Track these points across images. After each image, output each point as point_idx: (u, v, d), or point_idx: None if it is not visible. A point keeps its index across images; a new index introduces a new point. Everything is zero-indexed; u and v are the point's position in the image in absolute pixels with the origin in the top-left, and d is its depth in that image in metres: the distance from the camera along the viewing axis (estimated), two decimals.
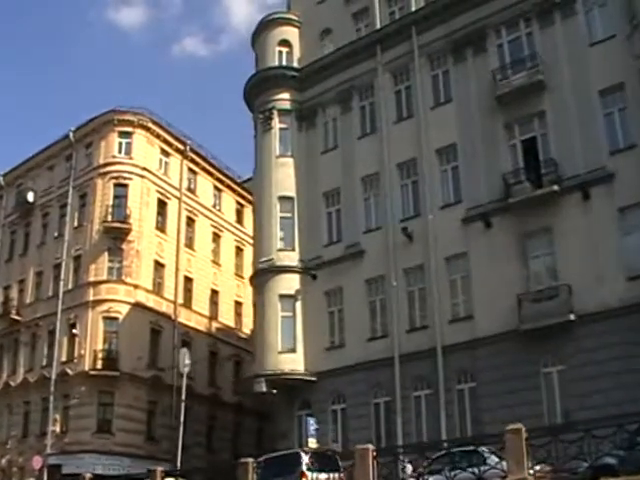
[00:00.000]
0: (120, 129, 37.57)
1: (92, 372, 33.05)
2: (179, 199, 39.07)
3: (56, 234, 38.04)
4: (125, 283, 35.05)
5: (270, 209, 28.14)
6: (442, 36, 26.56)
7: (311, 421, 23.97)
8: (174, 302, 37.09)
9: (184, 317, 37.58)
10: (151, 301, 35.93)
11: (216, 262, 41.09)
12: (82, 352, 33.90)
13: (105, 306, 34.49)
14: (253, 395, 26.30)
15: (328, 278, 26.61)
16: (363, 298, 25.74)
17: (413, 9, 27.75)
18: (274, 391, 25.44)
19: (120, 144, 37.46)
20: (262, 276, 27.42)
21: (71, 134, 38.50)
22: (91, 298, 34.75)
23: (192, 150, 40.33)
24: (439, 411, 22.79)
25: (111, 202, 36.28)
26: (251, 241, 43.57)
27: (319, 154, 28.69)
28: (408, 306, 24.74)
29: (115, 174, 36.77)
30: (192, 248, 39.39)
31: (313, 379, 25.58)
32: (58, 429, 33.59)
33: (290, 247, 27.62)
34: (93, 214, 36.32)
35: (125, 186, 36.72)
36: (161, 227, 37.70)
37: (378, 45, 28.03)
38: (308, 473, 15.59)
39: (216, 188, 42.48)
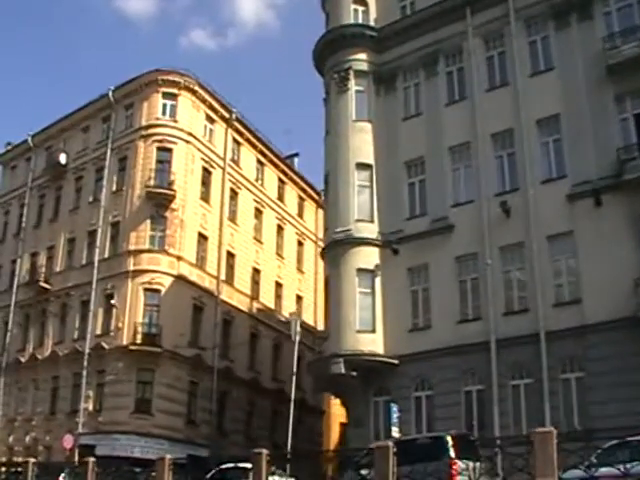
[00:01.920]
0: (164, 90, 35.27)
1: (132, 347, 30.79)
2: (223, 169, 36.81)
3: (91, 199, 35.69)
4: (168, 254, 32.78)
5: (347, 176, 25.98)
6: (541, 0, 24.58)
7: (394, 408, 21.99)
8: (217, 278, 34.94)
9: (226, 295, 35.47)
10: (194, 275, 33.71)
11: (258, 239, 38.98)
12: (120, 325, 31.62)
13: (146, 277, 32.21)
14: (327, 377, 24.13)
15: (411, 254, 24.53)
16: (452, 277, 23.70)
17: None
18: (354, 373, 23.35)
19: (164, 106, 35.19)
20: (338, 248, 25.24)
21: (110, 93, 36.07)
22: (131, 268, 32.46)
23: (237, 119, 38.06)
24: (541, 402, 20.78)
25: (154, 167, 34.01)
26: (292, 220, 41.97)
27: (400, 120, 26.56)
28: (504, 287, 22.74)
29: (159, 137, 34.42)
30: (235, 222, 37.21)
31: (395, 362, 23.54)
32: (91, 407, 31.37)
33: (368, 218, 25.49)
34: (134, 179, 33.98)
35: (169, 150, 34.38)
36: (205, 197, 35.46)
37: (468, 7, 25.83)
38: (458, 461, 13.62)
39: (259, 162, 40.31)
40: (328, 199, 26.83)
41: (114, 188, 34.77)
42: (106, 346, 31.58)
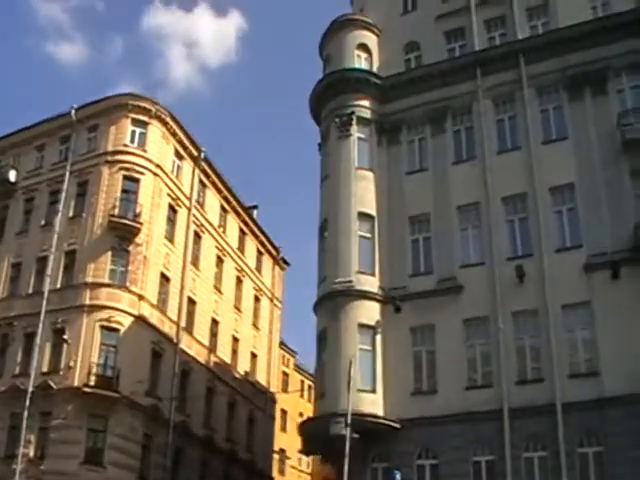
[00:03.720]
0: (134, 116, 33.03)
1: (85, 389, 27.76)
2: (189, 210, 34.79)
3: (43, 222, 32.67)
4: (130, 291, 30.20)
5: (348, 225, 24.92)
6: (555, 70, 24.91)
7: (397, 476, 20.75)
8: (177, 324, 32.53)
9: (185, 343, 33.04)
10: (154, 318, 31.23)
11: (218, 289, 36.87)
12: (71, 364, 28.55)
13: (105, 314, 29.44)
14: (322, 438, 22.45)
15: (415, 312, 23.62)
16: (460, 340, 22.90)
17: (519, 37, 26.02)
18: (355, 435, 21.79)
19: (133, 133, 32.92)
20: (337, 299, 23.93)
21: (73, 112, 33.33)
22: (87, 302, 29.64)
23: (205, 160, 36.24)
24: (558, 476, 20.22)
25: (119, 195, 31.50)
26: (250, 274, 40.26)
27: (403, 174, 25.94)
28: (517, 354, 22.19)
29: (126, 165, 32.06)
30: (197, 268, 35.09)
31: (397, 426, 22.31)
32: (32, 453, 27.83)
33: (370, 271, 24.45)
34: (95, 206, 31.36)
35: (136, 181, 32.06)
36: (169, 237, 33.24)
37: (478, 68, 25.90)
38: None
39: (222, 208, 38.50)
40: (325, 247, 25.49)
41: (71, 214, 31.94)
42: (54, 386, 28.33)
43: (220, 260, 37.38)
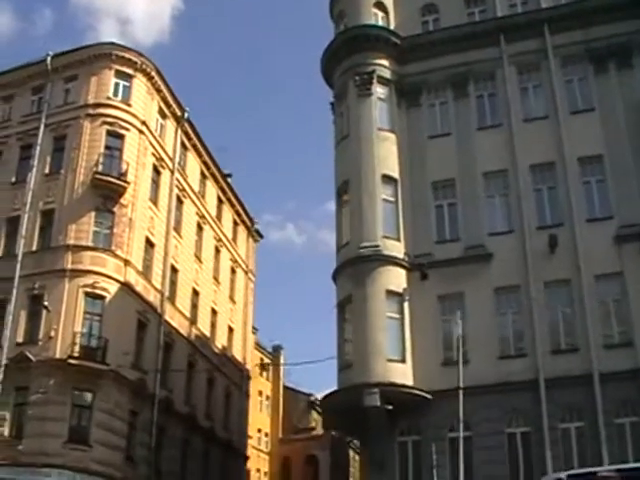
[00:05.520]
0: (118, 68, 30.58)
1: (71, 361, 25.38)
2: (172, 172, 32.63)
3: (13, 179, 29.61)
4: (115, 255, 27.90)
5: (373, 187, 23.71)
6: (579, 41, 24.55)
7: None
8: (162, 293, 30.40)
9: (168, 314, 30.94)
10: (140, 285, 29.05)
11: (198, 257, 34.85)
12: (52, 334, 26.05)
13: (89, 279, 27.04)
14: (352, 410, 21.23)
15: (443, 280, 22.77)
16: (492, 309, 22.25)
17: (542, 6, 25.57)
18: (389, 407, 20.81)
19: (117, 86, 30.41)
20: (363, 264, 22.71)
21: (48, 60, 30.42)
22: (69, 266, 27.12)
23: (188, 121, 34.07)
24: (598, 447, 19.88)
25: (102, 151, 29.00)
26: (227, 244, 38.41)
27: (426, 137, 24.98)
28: (550, 324, 21.78)
29: (109, 119, 29.58)
30: (179, 234, 32.95)
31: (429, 397, 21.44)
32: (7, 432, 25.27)
33: (395, 236, 23.41)
34: (76, 162, 28.75)
35: (121, 137, 29.65)
36: (153, 200, 30.96)
37: (502, 34, 25.24)
38: None
39: (202, 174, 36.38)
40: (348, 209, 24.26)
41: (47, 170, 29.15)
42: (32, 357, 25.75)
43: (200, 228, 35.39)
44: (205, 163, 36.34)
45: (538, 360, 21.18)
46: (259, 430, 45.81)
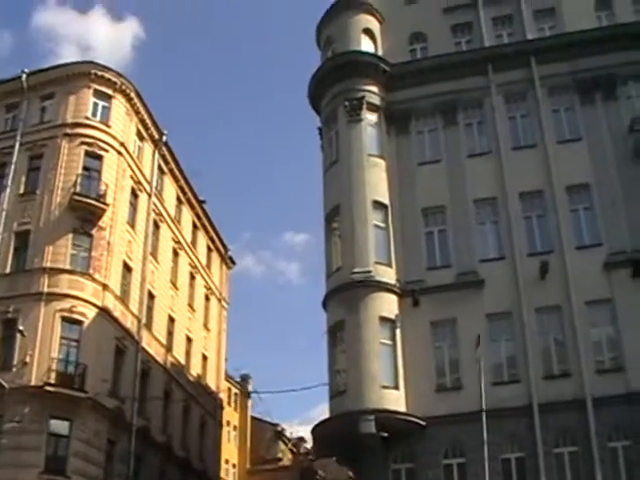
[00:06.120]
0: (97, 87, 30.02)
1: (48, 388, 24.32)
2: (149, 196, 31.99)
3: None
4: (93, 279, 27.07)
5: (364, 214, 23.62)
6: (566, 72, 25.11)
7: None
8: (139, 319, 29.59)
9: (145, 341, 30.12)
10: (118, 311, 28.25)
11: (174, 283, 34.11)
12: (27, 360, 24.95)
13: (66, 303, 26.16)
14: (346, 437, 20.77)
15: (435, 306, 22.69)
16: (484, 335, 22.19)
17: (529, 37, 26.18)
18: (384, 434, 20.50)
19: (95, 106, 29.80)
20: (356, 290, 22.48)
21: (24, 77, 29.67)
22: (45, 289, 26.24)
23: (166, 145, 33.59)
24: (592, 471, 19.94)
25: (80, 172, 28.25)
26: (202, 270, 37.80)
27: (415, 164, 25.08)
28: (542, 350, 21.88)
29: (88, 140, 28.96)
30: (156, 259, 32.24)
31: (423, 424, 21.20)
32: None
33: (386, 262, 23.31)
34: (53, 183, 27.94)
35: (99, 158, 29.01)
36: (131, 223, 30.27)
37: (489, 64, 25.68)
38: None
39: (178, 199, 35.82)
40: (339, 235, 24.12)
41: (21, 190, 28.26)
42: (5, 385, 24.54)
43: (176, 254, 34.74)
44: (181, 188, 35.88)
45: (531, 386, 21.23)
46: (226, 461, 44.64)
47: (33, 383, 24.58)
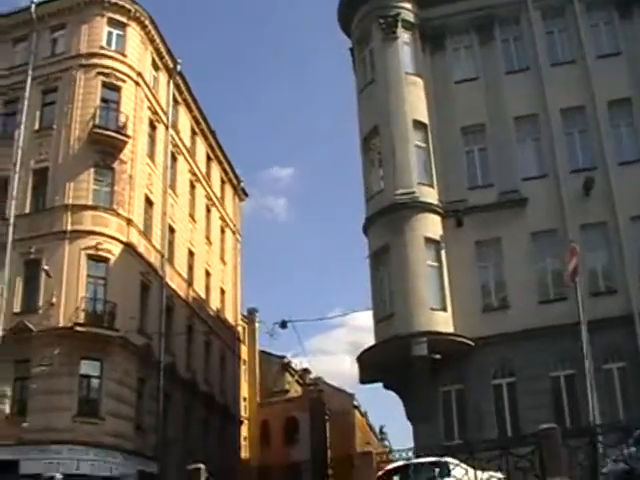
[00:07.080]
0: (111, 15, 28.59)
1: (78, 328, 23.61)
2: (167, 127, 30.91)
3: None
4: (118, 214, 26.21)
5: (405, 133, 22.85)
6: None
7: None
8: (162, 254, 28.81)
9: (168, 276, 29.39)
10: (142, 246, 27.46)
11: (192, 217, 33.25)
12: (53, 301, 24.18)
13: (91, 240, 25.28)
14: (397, 360, 20.33)
15: (479, 227, 22.15)
16: (529, 254, 21.76)
17: None
18: (437, 356, 20.08)
19: (110, 35, 28.46)
20: (400, 212, 21.82)
21: (33, 8, 28.25)
22: (69, 227, 25.28)
23: (180, 74, 32.32)
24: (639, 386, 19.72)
25: (98, 104, 27.10)
26: (217, 203, 37.03)
27: (452, 82, 24.21)
28: (588, 267, 21.35)
29: (105, 70, 27.73)
30: (175, 192, 31.30)
31: (473, 344, 20.79)
32: (8, 409, 23.35)
33: (428, 182, 22.62)
34: (70, 116, 26.78)
35: (117, 89, 27.82)
36: (150, 156, 29.22)
37: None
38: None
39: (192, 130, 34.62)
40: (378, 157, 23.35)
41: (36, 126, 27.11)
42: (32, 327, 23.85)
43: (192, 186, 33.83)
44: (195, 118, 34.77)
45: (579, 302, 20.75)
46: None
47: (61, 324, 23.86)
